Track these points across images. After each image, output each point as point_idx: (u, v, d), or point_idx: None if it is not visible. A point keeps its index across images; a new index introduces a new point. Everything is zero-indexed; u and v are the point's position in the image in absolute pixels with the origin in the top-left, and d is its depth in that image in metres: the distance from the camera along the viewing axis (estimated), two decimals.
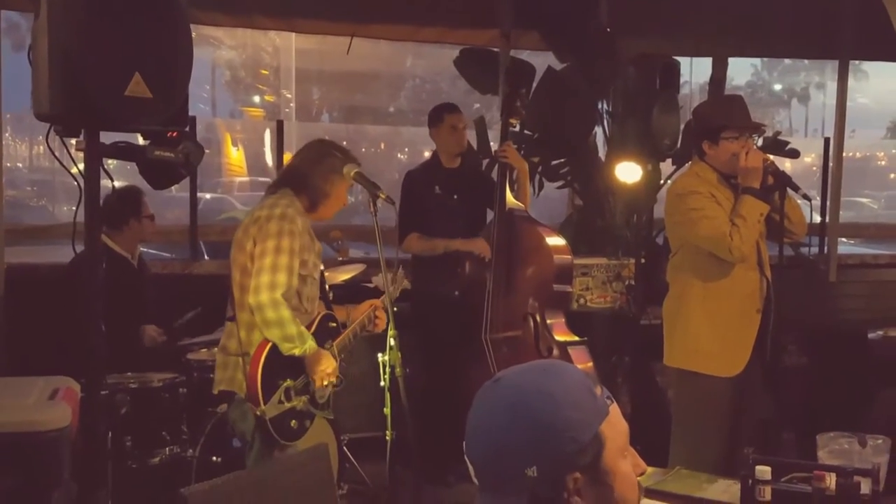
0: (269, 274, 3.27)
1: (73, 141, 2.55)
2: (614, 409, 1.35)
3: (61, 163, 2.61)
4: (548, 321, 4.47)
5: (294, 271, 3.34)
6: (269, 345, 3.31)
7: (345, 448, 4.57)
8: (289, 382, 3.35)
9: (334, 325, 3.63)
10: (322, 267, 3.65)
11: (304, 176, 3.50)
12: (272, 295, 3.25)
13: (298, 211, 3.43)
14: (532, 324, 4.46)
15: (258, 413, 3.27)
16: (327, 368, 3.41)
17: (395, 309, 3.47)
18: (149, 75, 2.47)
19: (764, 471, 2.16)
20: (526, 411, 1.28)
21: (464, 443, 1.34)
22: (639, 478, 1.38)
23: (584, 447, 1.28)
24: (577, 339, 4.50)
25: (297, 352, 3.31)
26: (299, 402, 3.39)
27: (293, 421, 3.38)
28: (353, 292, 4.40)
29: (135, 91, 2.45)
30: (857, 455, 2.60)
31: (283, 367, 3.35)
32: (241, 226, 3.47)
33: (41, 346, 4.03)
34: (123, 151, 2.67)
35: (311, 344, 3.35)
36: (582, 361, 4.35)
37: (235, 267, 3.43)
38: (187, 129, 2.75)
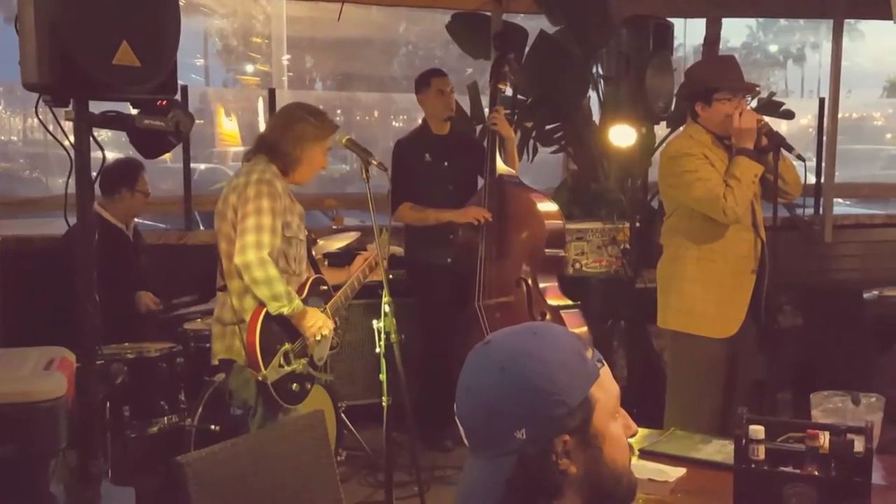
0: (253, 234, 3.30)
1: (64, 111, 2.54)
2: (605, 371, 1.34)
3: (53, 135, 2.59)
4: (540, 286, 4.47)
5: (277, 231, 3.35)
6: (264, 311, 3.34)
7: (342, 415, 4.59)
8: (287, 346, 3.41)
9: (325, 287, 3.66)
10: (307, 232, 3.68)
11: (275, 143, 3.51)
12: (259, 254, 3.28)
13: (275, 174, 3.45)
14: (525, 288, 4.46)
15: (260, 378, 3.33)
16: (317, 322, 3.45)
17: (390, 276, 3.48)
18: (136, 43, 2.46)
19: (757, 430, 2.17)
20: (515, 374, 1.28)
21: (454, 404, 1.35)
22: (630, 439, 1.38)
23: (573, 410, 1.28)
24: (570, 303, 4.50)
25: (285, 311, 3.34)
26: (299, 364, 3.45)
27: (294, 384, 3.45)
28: (348, 260, 4.41)
29: (122, 59, 2.44)
30: (851, 413, 2.61)
31: (279, 331, 3.39)
32: (221, 196, 3.50)
33: (36, 317, 4.02)
34: (113, 120, 2.66)
35: (297, 303, 3.38)
36: (575, 325, 4.36)
37: (221, 237, 3.47)
38: (177, 97, 2.73)
